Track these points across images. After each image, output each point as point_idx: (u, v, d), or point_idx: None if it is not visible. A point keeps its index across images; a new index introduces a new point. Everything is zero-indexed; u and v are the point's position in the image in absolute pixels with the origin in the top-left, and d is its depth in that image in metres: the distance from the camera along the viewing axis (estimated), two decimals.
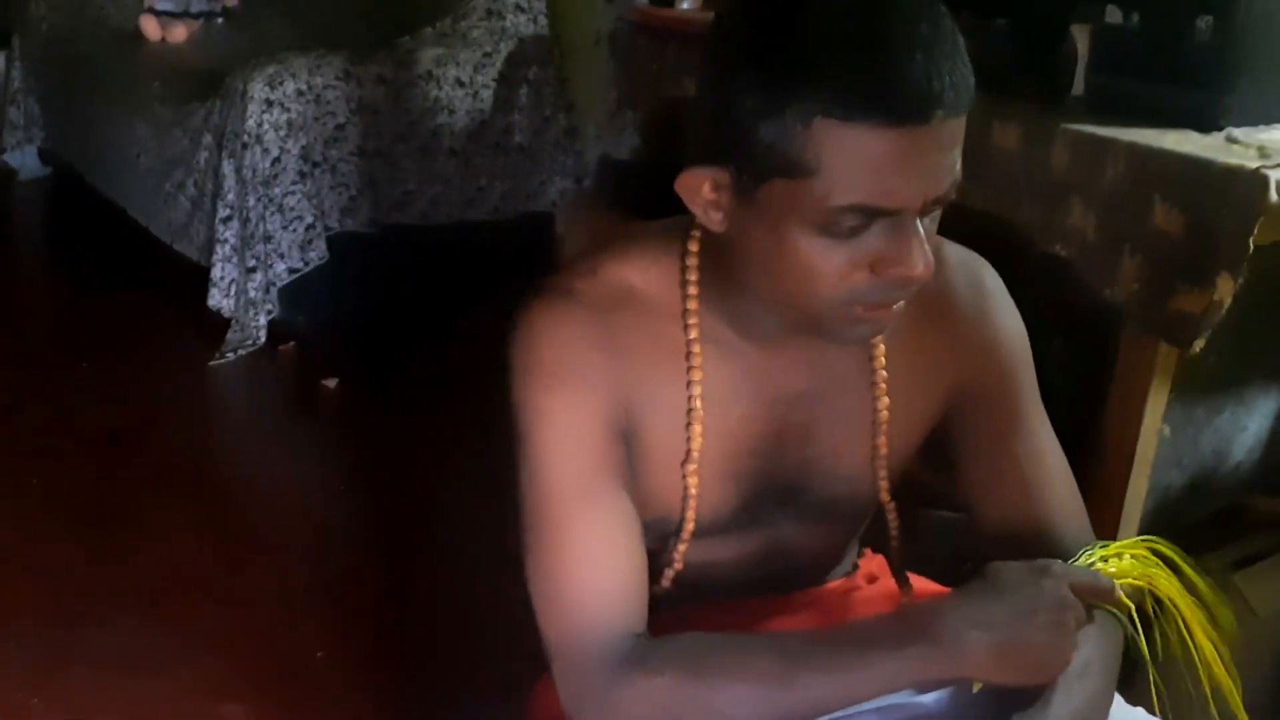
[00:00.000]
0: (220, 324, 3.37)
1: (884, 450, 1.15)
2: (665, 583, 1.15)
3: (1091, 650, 1.00)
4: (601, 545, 1.02)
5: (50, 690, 2.07)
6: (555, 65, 3.69)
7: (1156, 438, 1.75)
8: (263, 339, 3.36)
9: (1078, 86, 1.81)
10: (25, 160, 4.71)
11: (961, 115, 0.92)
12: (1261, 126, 1.65)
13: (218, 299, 3.37)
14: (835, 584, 1.32)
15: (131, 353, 3.41)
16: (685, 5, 2.65)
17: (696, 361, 1.07)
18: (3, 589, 2.32)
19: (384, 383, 3.29)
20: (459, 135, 3.61)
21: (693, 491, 1.10)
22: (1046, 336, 1.89)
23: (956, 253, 1.16)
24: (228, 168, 3.33)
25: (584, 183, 3.75)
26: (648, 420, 1.07)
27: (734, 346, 1.09)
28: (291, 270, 3.38)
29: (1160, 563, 1.07)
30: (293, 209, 3.35)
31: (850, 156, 0.90)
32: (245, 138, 3.28)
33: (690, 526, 1.12)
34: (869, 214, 0.93)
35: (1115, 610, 1.05)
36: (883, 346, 1.13)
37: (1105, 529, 1.72)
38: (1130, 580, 1.06)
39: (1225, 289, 1.53)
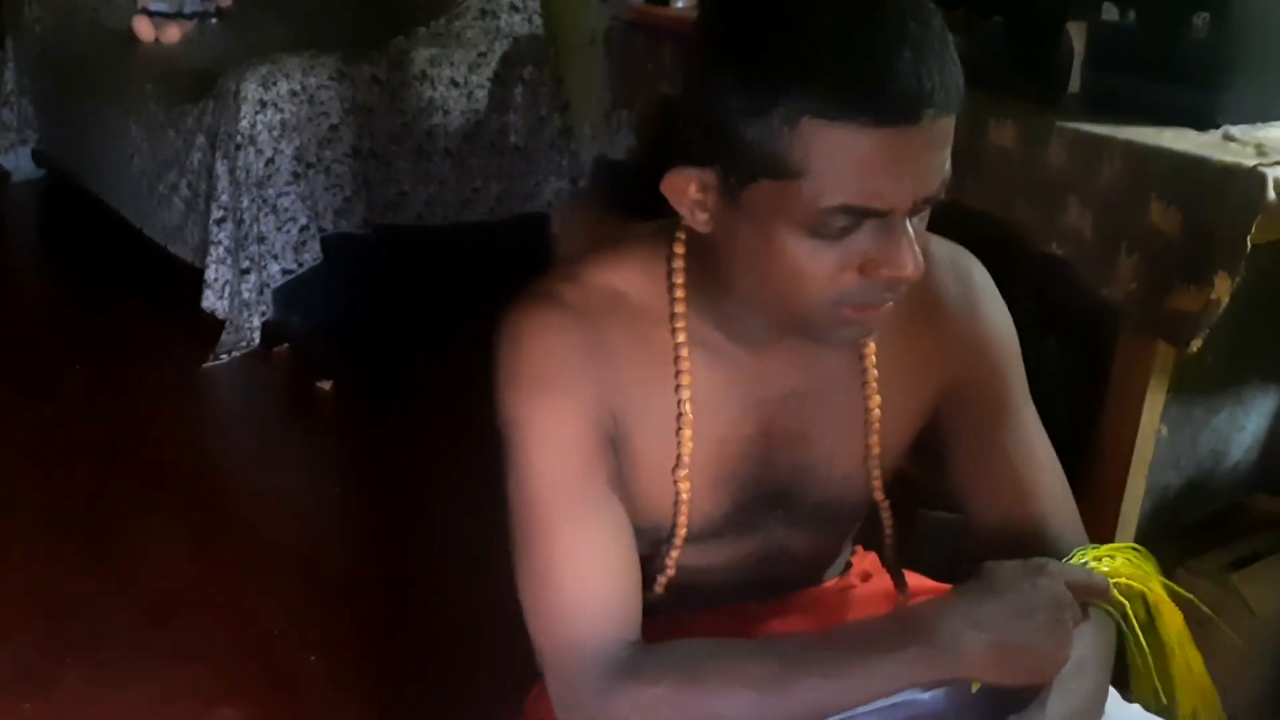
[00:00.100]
0: (214, 326, 3.36)
1: (876, 450, 1.14)
2: (658, 589, 1.14)
3: (1087, 648, 1.00)
4: (593, 553, 1.01)
5: (43, 696, 2.06)
6: (550, 65, 3.69)
7: (1154, 437, 1.74)
8: (257, 341, 3.35)
9: (1074, 84, 1.80)
10: (19, 162, 4.70)
11: (951, 114, 0.91)
12: (1259, 124, 1.64)
13: (212, 300, 3.36)
14: (830, 584, 1.31)
15: (125, 355, 3.40)
16: (680, 4, 2.64)
17: (685, 366, 1.06)
18: None
19: (379, 385, 3.28)
20: (454, 136, 3.60)
21: (684, 497, 1.09)
22: (1043, 336, 1.89)
23: (943, 248, 1.14)
24: (221, 169, 3.32)
25: (579, 183, 3.73)
26: (636, 426, 1.06)
27: (722, 349, 1.08)
28: (285, 272, 3.37)
29: (1148, 564, 1.08)
30: (287, 210, 3.34)
31: (838, 157, 0.89)
32: (239, 138, 3.27)
33: (682, 532, 1.10)
34: (858, 215, 0.91)
35: (1109, 608, 1.04)
36: (873, 345, 1.12)
37: (1103, 529, 1.71)
38: (1123, 579, 1.06)
39: (1223, 288, 1.52)
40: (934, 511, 1.71)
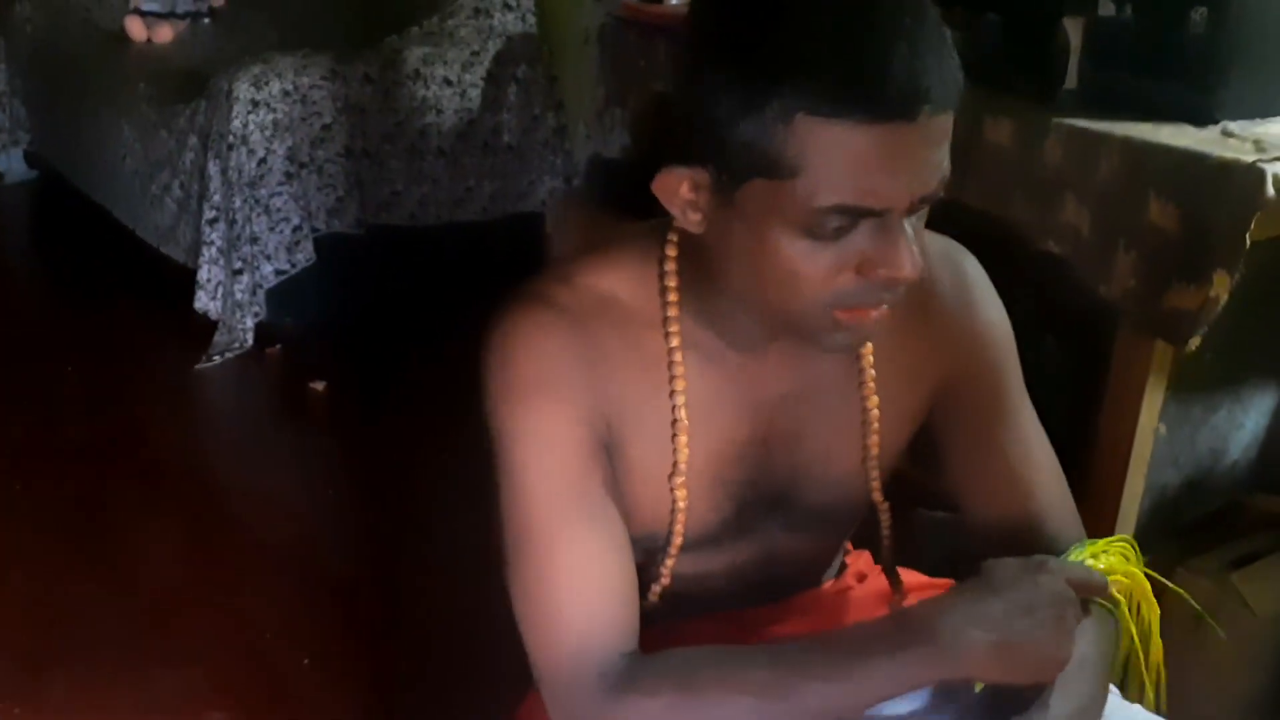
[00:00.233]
0: (207, 327, 3.34)
1: (875, 450, 1.13)
2: (653, 598, 1.12)
3: (1088, 646, 0.99)
4: (590, 564, 0.98)
5: (32, 698, 2.05)
6: (544, 63, 3.68)
7: (1153, 436, 1.74)
8: (250, 342, 3.34)
9: (1070, 80, 1.79)
10: (11, 163, 4.68)
11: (949, 110, 0.89)
12: (1257, 120, 1.64)
13: (204, 301, 3.35)
14: (827, 586, 1.30)
15: (117, 356, 3.38)
16: (674, 1, 2.63)
17: (679, 371, 1.04)
18: None
19: (372, 385, 3.27)
20: (447, 135, 3.59)
21: (681, 505, 1.06)
22: (1041, 335, 1.88)
23: (938, 243, 1.13)
24: (213, 169, 3.30)
25: (574, 182, 3.72)
26: (630, 433, 1.04)
27: (716, 352, 1.05)
28: (278, 272, 3.36)
29: (1139, 562, 1.08)
30: (279, 210, 3.33)
31: (834, 155, 0.87)
32: (231, 139, 3.25)
33: (679, 541, 1.08)
34: (854, 214, 0.90)
35: (1109, 605, 1.04)
36: (870, 344, 1.10)
37: (1102, 528, 1.70)
38: (1119, 577, 1.06)
39: (1221, 285, 1.51)
40: (930, 511, 1.70)
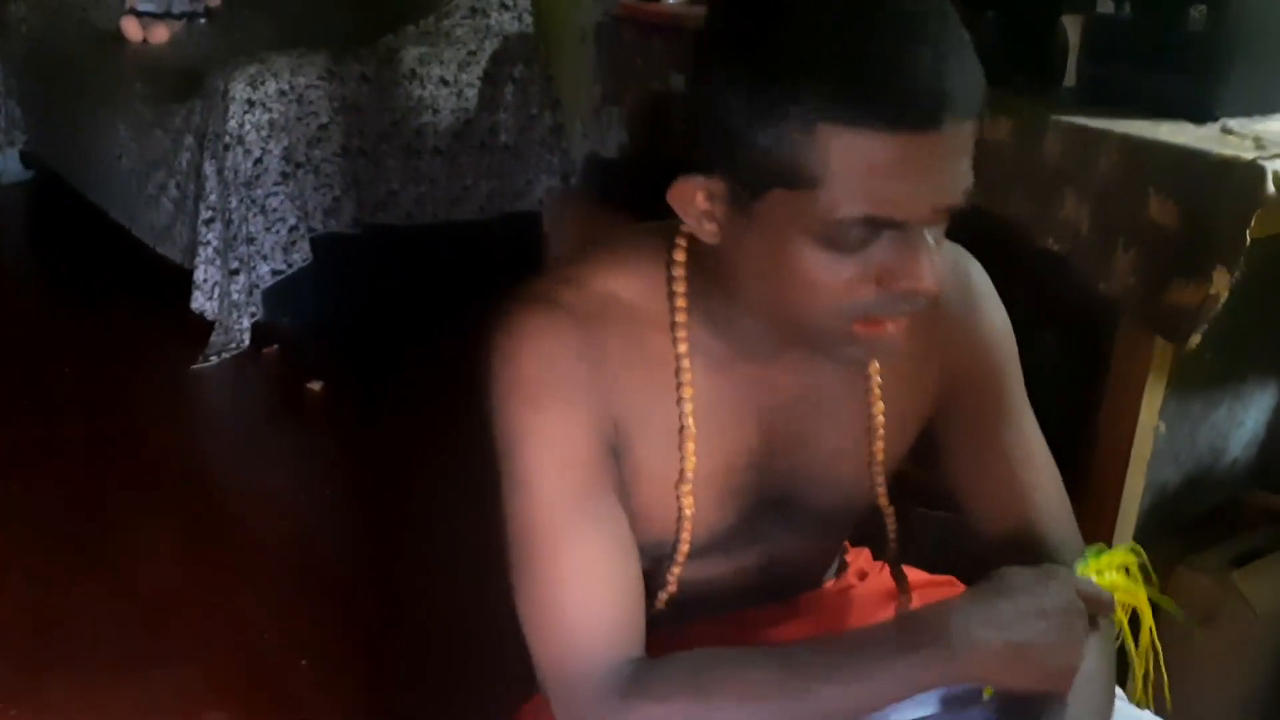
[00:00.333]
0: (203, 327, 3.34)
1: (880, 456, 1.12)
2: (658, 605, 1.10)
3: (1096, 660, 0.99)
4: (597, 566, 0.97)
5: (29, 699, 2.04)
6: (541, 62, 3.67)
7: (1153, 434, 1.73)
8: (246, 342, 3.34)
9: (1069, 77, 1.79)
10: (7, 164, 4.68)
11: (973, 119, 0.87)
12: (1257, 117, 1.63)
13: (201, 302, 3.34)
14: (828, 585, 1.29)
15: (114, 356, 3.38)
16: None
17: (687, 378, 1.02)
18: None
19: (369, 385, 3.27)
20: (443, 134, 3.58)
21: (688, 513, 1.05)
22: (1040, 333, 1.87)
23: (943, 248, 1.12)
24: (209, 169, 3.30)
25: (571, 181, 3.72)
26: (637, 438, 1.02)
27: (724, 358, 1.03)
28: (275, 272, 3.35)
29: (1139, 577, 1.08)
30: (275, 210, 3.32)
31: (857, 165, 0.84)
32: (227, 138, 3.24)
33: (685, 549, 1.07)
34: (877, 225, 0.87)
35: (1118, 618, 1.05)
36: None
37: (1102, 526, 1.70)
38: (1122, 595, 1.06)
39: (1222, 282, 1.50)
40: (929, 510, 1.70)
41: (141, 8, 4.27)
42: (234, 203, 3.26)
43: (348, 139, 3.42)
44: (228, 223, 3.28)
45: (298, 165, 3.34)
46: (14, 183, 4.71)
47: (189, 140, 3.42)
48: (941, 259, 0.92)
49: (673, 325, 1.02)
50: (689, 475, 1.03)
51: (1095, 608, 0.99)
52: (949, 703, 1.07)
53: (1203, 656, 1.74)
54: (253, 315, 3.34)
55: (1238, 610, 1.78)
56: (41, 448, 2.88)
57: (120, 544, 2.49)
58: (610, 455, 1.00)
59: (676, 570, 1.08)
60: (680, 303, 1.02)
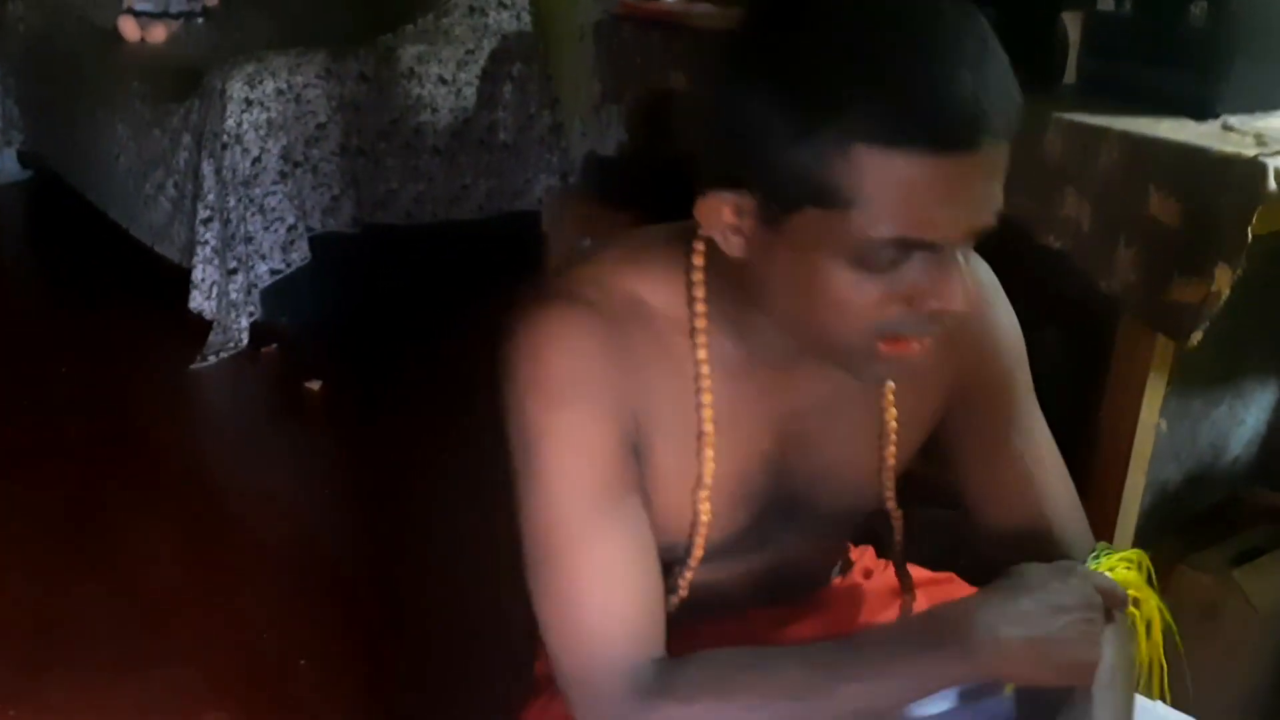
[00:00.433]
0: (202, 326, 3.33)
1: (891, 461, 1.11)
2: (669, 610, 1.08)
3: (1116, 656, 0.99)
4: (618, 568, 0.96)
5: (29, 699, 2.04)
6: (540, 60, 3.67)
7: (1153, 432, 1.73)
8: (245, 341, 3.33)
9: (1070, 74, 1.78)
10: (4, 163, 4.68)
11: (1009, 140, 0.86)
12: (1258, 113, 1.63)
13: (199, 301, 3.33)
14: (836, 583, 1.29)
15: (113, 356, 3.37)
16: None
17: (706, 383, 1.01)
18: None
19: (368, 385, 3.26)
20: (442, 133, 3.58)
21: (704, 519, 1.04)
22: (1041, 330, 1.86)
23: None
24: (207, 168, 3.29)
25: (570, 179, 3.71)
26: (657, 440, 1.01)
27: (742, 363, 1.02)
28: (273, 271, 3.35)
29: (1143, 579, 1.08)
30: (274, 209, 3.32)
31: (892, 186, 0.83)
32: (225, 138, 3.24)
33: (699, 553, 1.06)
34: (910, 247, 0.87)
35: (1133, 613, 1.05)
36: None
37: (1103, 524, 1.70)
38: (1133, 592, 1.06)
39: (1223, 280, 1.50)
40: (928, 509, 1.69)
41: (139, 7, 4.26)
42: (232, 202, 3.26)
43: (346, 138, 3.42)
44: (226, 222, 3.28)
45: (296, 164, 3.34)
46: (12, 182, 4.71)
47: (187, 139, 3.41)
48: (972, 278, 0.91)
49: (692, 330, 1.01)
50: (706, 481, 1.02)
51: (1111, 602, 0.99)
52: (968, 696, 1.07)
53: (1203, 654, 1.73)
54: (251, 315, 3.34)
55: (1239, 608, 1.78)
56: (39, 447, 2.87)
57: (120, 544, 2.49)
58: (632, 454, 0.99)
59: (689, 575, 1.07)
60: (700, 308, 1.01)
